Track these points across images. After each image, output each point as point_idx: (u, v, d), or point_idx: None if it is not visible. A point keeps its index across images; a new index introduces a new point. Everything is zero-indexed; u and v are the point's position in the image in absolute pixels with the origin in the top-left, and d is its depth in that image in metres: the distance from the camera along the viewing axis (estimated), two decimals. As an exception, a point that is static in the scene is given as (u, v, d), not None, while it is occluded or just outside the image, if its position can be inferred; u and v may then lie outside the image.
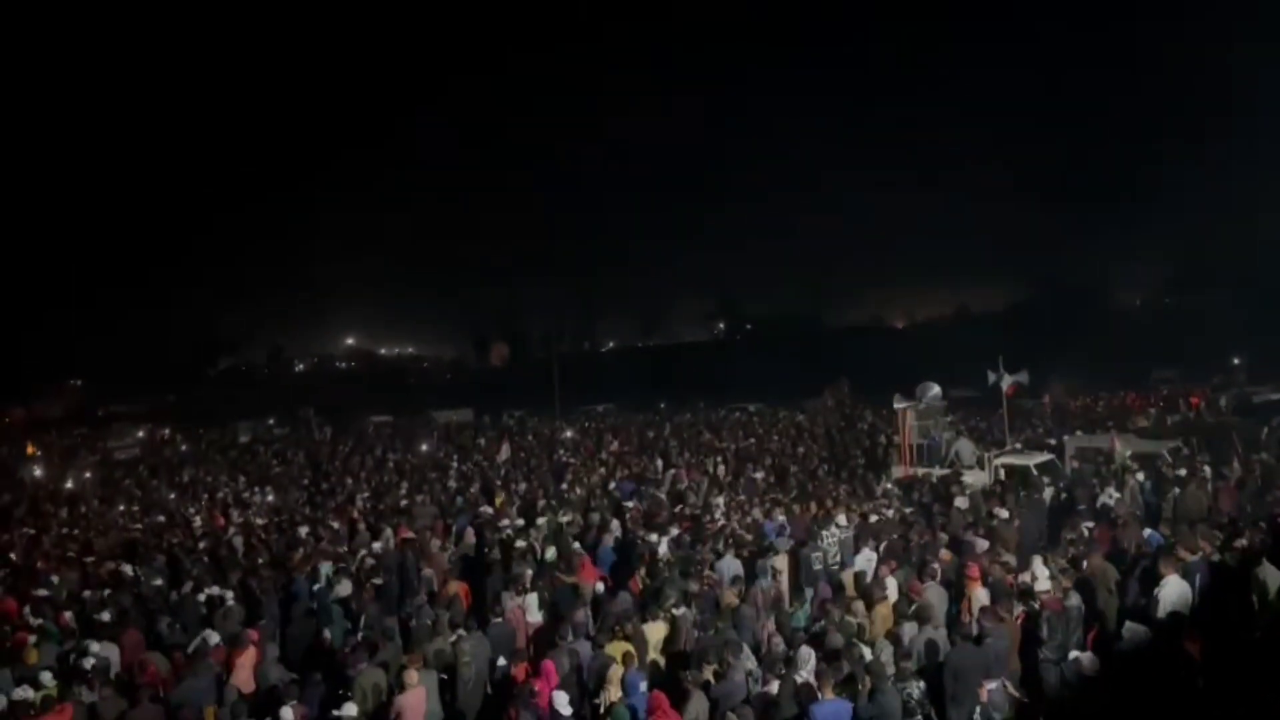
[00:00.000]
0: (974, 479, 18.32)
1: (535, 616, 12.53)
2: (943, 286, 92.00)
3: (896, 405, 21.38)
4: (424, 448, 33.34)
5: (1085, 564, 11.71)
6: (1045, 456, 19.25)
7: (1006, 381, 21.29)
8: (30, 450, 43.24)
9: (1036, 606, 10.41)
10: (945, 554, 12.77)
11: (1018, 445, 21.68)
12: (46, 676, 10.40)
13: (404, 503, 21.44)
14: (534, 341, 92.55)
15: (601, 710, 9.16)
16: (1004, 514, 14.70)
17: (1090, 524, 14.10)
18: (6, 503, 27.42)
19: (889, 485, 19.62)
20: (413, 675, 9.66)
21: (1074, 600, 10.28)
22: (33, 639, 12.01)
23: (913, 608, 10.58)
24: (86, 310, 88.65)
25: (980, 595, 10.93)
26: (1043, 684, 9.73)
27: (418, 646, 10.77)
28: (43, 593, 14.69)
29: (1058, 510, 15.90)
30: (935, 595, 11.15)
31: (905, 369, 28.55)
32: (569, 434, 35.15)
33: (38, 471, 35.18)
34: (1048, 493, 16.75)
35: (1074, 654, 9.22)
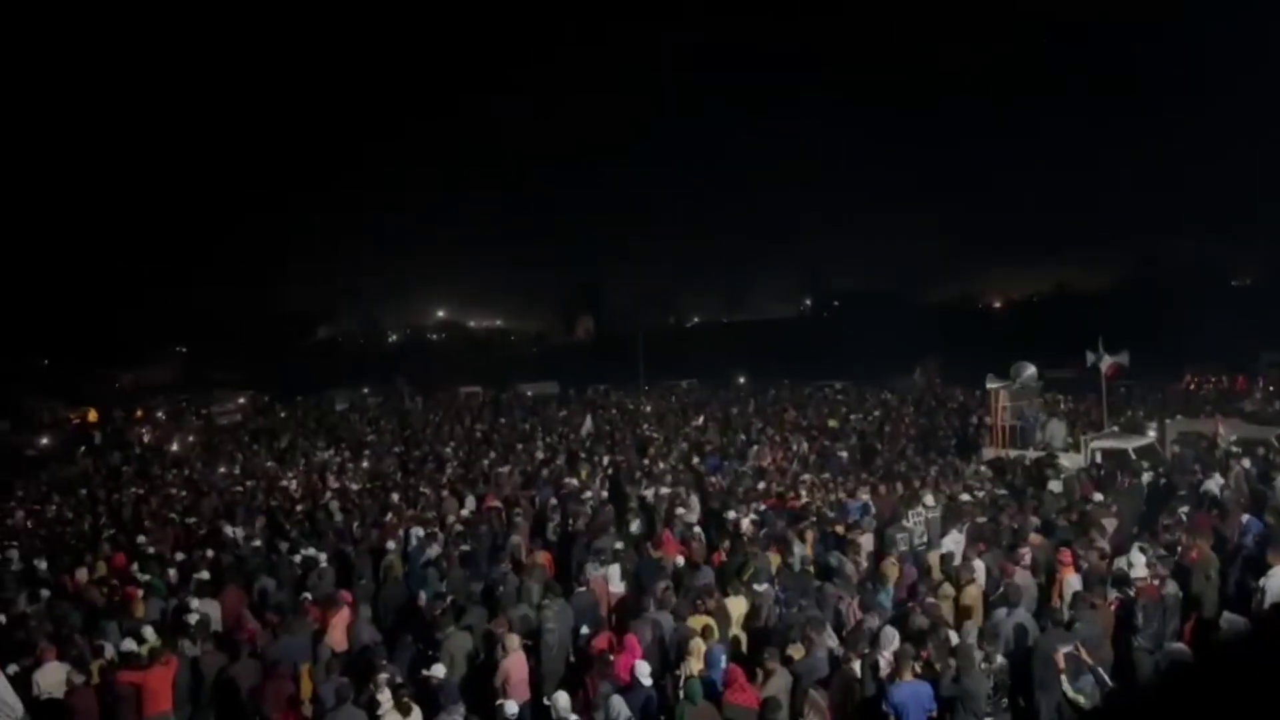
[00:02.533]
0: (1069, 462, 17.83)
1: (617, 587, 12.69)
2: (1041, 264, 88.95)
3: (989, 385, 20.88)
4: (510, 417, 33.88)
5: (1185, 551, 11.32)
6: (1145, 440, 18.59)
7: (1106, 362, 20.58)
8: (138, 415, 45.40)
9: (1131, 594, 10.11)
10: (1036, 538, 12.49)
11: (1115, 428, 20.98)
12: (149, 631, 10.97)
13: (491, 472, 21.89)
14: (619, 316, 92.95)
15: (682, 681, 9.24)
16: (1099, 498, 14.27)
17: (1188, 510, 13.60)
18: (116, 464, 28.90)
19: (980, 467, 19.22)
20: (514, 640, 9.88)
21: (1171, 588, 9.97)
22: (140, 594, 12.70)
23: (1000, 590, 10.40)
24: (193, 282, 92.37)
25: (1072, 580, 10.67)
26: (1136, 673, 9.47)
27: (503, 612, 11.03)
28: (149, 550, 15.51)
29: (1156, 496, 15.36)
30: (1025, 579, 10.92)
31: (999, 348, 27.84)
32: (650, 408, 35.30)
33: (145, 435, 36.97)
34: (1146, 477, 16.19)
35: (1170, 644, 8.95)
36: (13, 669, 9.87)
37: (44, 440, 37.99)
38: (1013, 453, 19.52)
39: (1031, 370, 20.77)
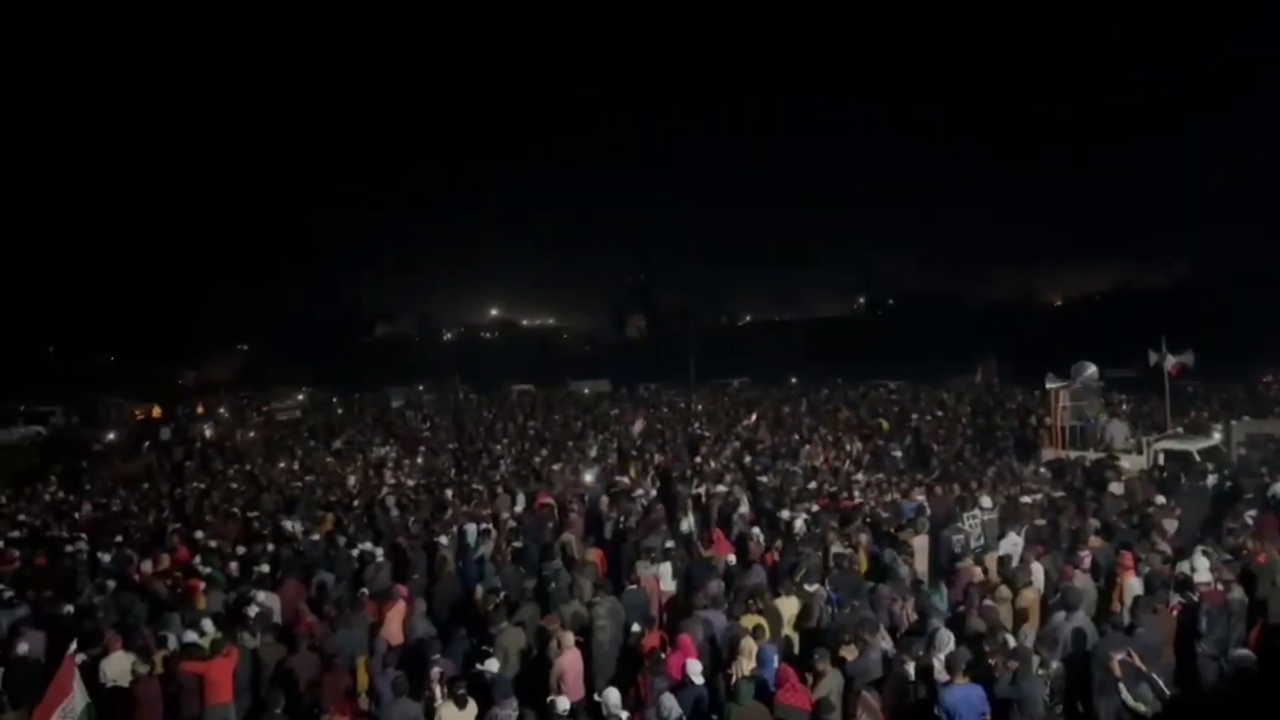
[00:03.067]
0: (1130, 464, 17.44)
1: (669, 585, 12.69)
2: (1103, 261, 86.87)
3: (1049, 385, 20.51)
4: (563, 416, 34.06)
5: (1250, 555, 11.01)
6: (1210, 441, 18.11)
7: (1170, 361, 20.08)
8: (200, 410, 46.48)
9: (1195, 599, 9.86)
10: (1096, 540, 12.23)
11: (1178, 429, 20.47)
12: (208, 623, 11.22)
13: (544, 469, 22.03)
14: (671, 314, 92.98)
15: (733, 681, 9.22)
16: (1162, 501, 13.94)
17: (1255, 514, 13.21)
18: (180, 459, 29.62)
19: (1039, 469, 18.89)
20: (569, 637, 9.95)
21: (1237, 594, 9.70)
22: (202, 586, 13.01)
23: (1058, 594, 10.20)
24: (254, 281, 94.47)
25: (1133, 584, 10.43)
26: (1200, 680, 9.23)
27: (555, 609, 11.10)
28: (211, 543, 15.87)
29: (1222, 499, 14.95)
30: (1084, 583, 10.71)
31: (1059, 347, 27.30)
32: (702, 407, 35.26)
33: (208, 430, 37.84)
34: (1211, 480, 15.77)
35: (1235, 650, 8.71)
36: (81, 657, 10.17)
37: (110, 435, 39.06)
38: (1072, 454, 19.17)
39: (1092, 370, 20.38)
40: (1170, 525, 12.87)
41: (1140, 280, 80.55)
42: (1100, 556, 11.65)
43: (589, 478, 19.46)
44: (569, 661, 9.81)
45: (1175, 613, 9.82)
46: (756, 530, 14.39)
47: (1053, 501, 15.36)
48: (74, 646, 9.55)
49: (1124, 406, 25.18)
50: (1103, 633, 9.27)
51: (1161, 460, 17.42)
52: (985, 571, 11.93)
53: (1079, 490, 16.25)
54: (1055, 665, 8.78)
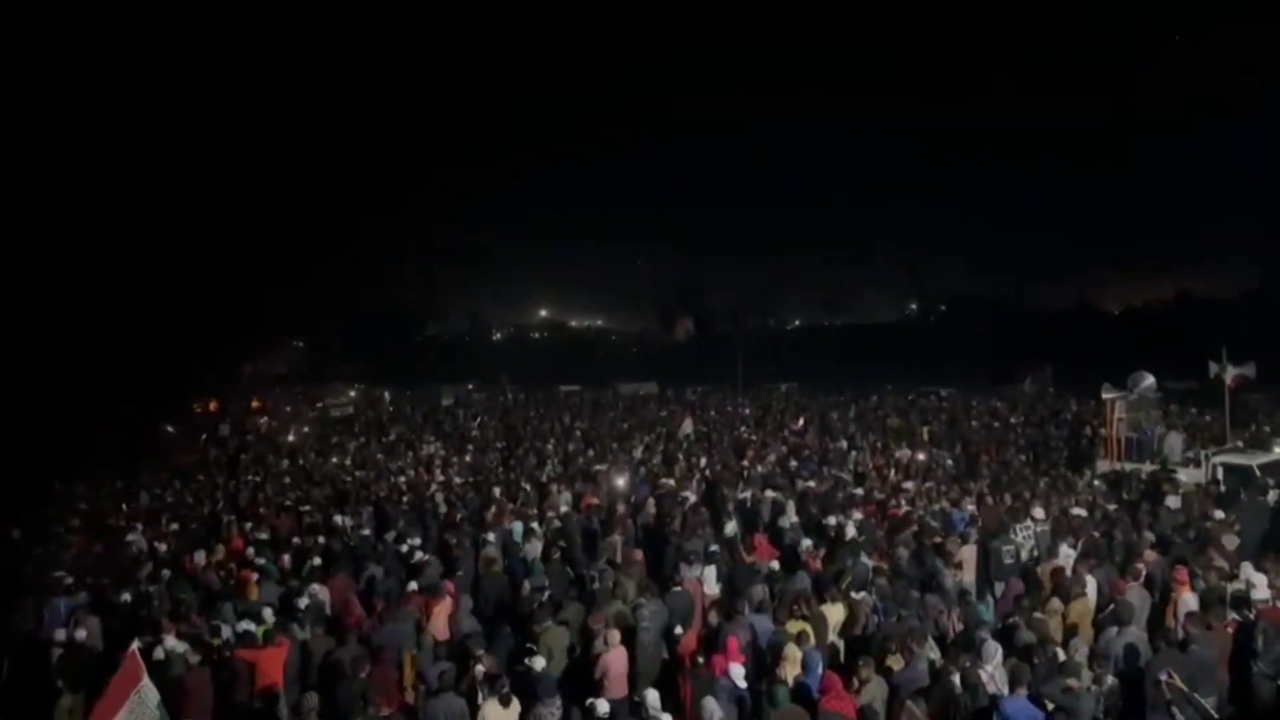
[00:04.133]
0: (1188, 477, 17.05)
1: (712, 589, 12.66)
2: (1162, 270, 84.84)
3: (1105, 395, 20.12)
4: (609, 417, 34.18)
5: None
6: (1272, 456, 17.61)
7: (1230, 373, 19.59)
8: (256, 405, 47.40)
9: (1251, 616, 9.61)
10: (1150, 554, 11.98)
11: (1238, 443, 19.95)
12: (267, 612, 11.45)
13: (591, 469, 22.12)
14: (718, 317, 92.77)
15: (776, 685, 9.18)
16: (1221, 516, 13.60)
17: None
18: (235, 451, 30.24)
19: (1093, 480, 18.54)
20: (615, 635, 9.99)
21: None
22: (255, 578, 13.27)
23: (1111, 607, 10.01)
24: (310, 278, 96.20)
25: (1188, 600, 10.19)
26: (1254, 700, 8.99)
27: (599, 608, 11.15)
28: (264, 536, 16.18)
29: (1284, 515, 14.55)
30: (1137, 597, 10.50)
31: (1116, 356, 26.76)
32: (748, 411, 35.13)
33: (263, 424, 38.59)
34: (1273, 496, 15.35)
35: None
36: (135, 644, 10.44)
37: (168, 428, 39.99)
38: (1128, 466, 18.79)
39: (1150, 380, 19.94)
40: (1230, 542, 12.54)
41: (1203, 289, 78.60)
42: (1155, 571, 11.41)
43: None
44: (614, 659, 9.86)
45: (1231, 630, 9.59)
46: (807, 542, 14.31)
47: (1107, 514, 15.07)
48: (136, 643, 9.76)
49: (1182, 418, 24.58)
50: (1156, 648, 9.08)
51: (1220, 475, 17.00)
52: (1036, 583, 11.76)
53: (1134, 503, 15.93)
54: (1110, 681, 8.61)
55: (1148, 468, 18.31)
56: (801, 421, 30.58)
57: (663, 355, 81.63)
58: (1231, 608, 9.95)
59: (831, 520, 14.80)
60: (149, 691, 9.09)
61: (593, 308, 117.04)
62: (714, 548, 13.51)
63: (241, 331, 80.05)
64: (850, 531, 13.95)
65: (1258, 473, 16.33)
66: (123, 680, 9.00)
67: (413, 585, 12.35)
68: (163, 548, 15.78)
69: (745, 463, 22.23)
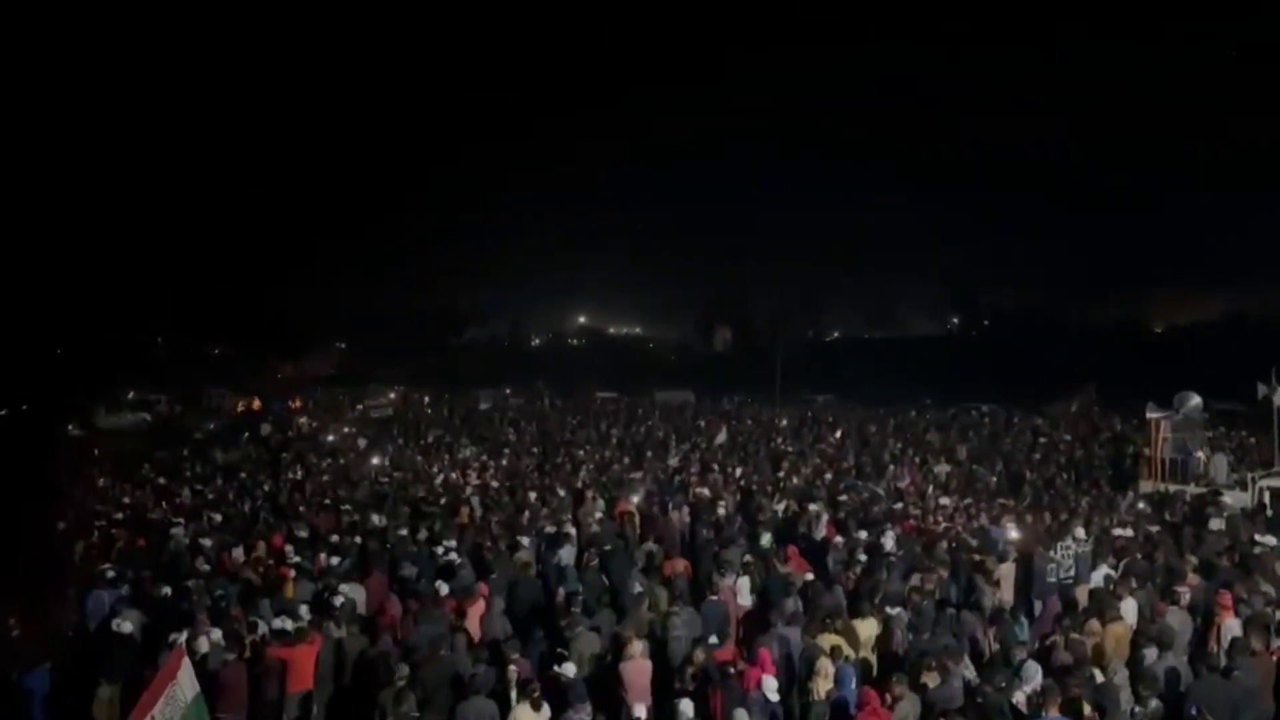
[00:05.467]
0: (1234, 500, 16.70)
1: (746, 600, 12.61)
2: (1211, 289, 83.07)
3: (1150, 415, 19.80)
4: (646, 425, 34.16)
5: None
6: (1324, 481, 17.23)
7: (1279, 396, 19.18)
8: (297, 404, 48.00)
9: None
10: (1193, 578, 11.73)
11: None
12: (303, 610, 11.57)
13: (624, 477, 22.11)
14: (757, 328, 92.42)
15: (811, 699, 9.11)
16: (1271, 541, 13.29)
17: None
18: (276, 449, 30.63)
19: (1137, 501, 18.21)
20: (636, 646, 9.97)
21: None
22: (292, 575, 13.42)
23: (1153, 631, 9.81)
24: (353, 280, 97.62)
25: (1232, 625, 9.97)
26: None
27: (630, 616, 11.14)
28: (303, 534, 16.36)
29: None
30: (1179, 621, 10.28)
31: (1162, 376, 26.29)
32: (785, 422, 34.94)
33: (304, 424, 39.06)
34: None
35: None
36: (173, 637, 10.60)
37: (211, 425, 40.62)
38: (1172, 487, 18.46)
39: (1196, 401, 19.61)
40: (1274, 566, 12.24)
41: (1253, 309, 76.89)
42: (1198, 595, 11.18)
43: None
44: (633, 670, 9.82)
45: (1276, 657, 9.36)
46: (840, 541, 14.21)
47: (1149, 535, 14.80)
48: (183, 637, 9.89)
49: (1229, 440, 24.08)
50: (1197, 674, 8.89)
51: (1267, 499, 16.64)
52: (1075, 604, 11.57)
53: (1177, 525, 15.62)
54: (1154, 704, 8.43)
55: (1192, 489, 17.98)
56: (839, 434, 30.39)
57: (700, 364, 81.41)
58: (1277, 634, 9.72)
59: (863, 535, 14.65)
60: (186, 684, 9.21)
61: (631, 316, 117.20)
62: (748, 558, 13.45)
63: (284, 332, 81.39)
64: (889, 545, 13.80)
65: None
66: (165, 674, 9.13)
67: (447, 587, 12.41)
68: (205, 543, 15.99)
69: (781, 474, 22.12)
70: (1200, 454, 19.13)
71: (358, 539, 15.60)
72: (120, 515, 19.13)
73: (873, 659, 10.55)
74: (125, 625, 11.10)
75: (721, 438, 29.28)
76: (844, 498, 18.63)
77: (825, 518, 16.31)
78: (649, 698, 9.67)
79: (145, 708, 8.62)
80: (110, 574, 13.29)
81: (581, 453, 27.39)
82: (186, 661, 9.19)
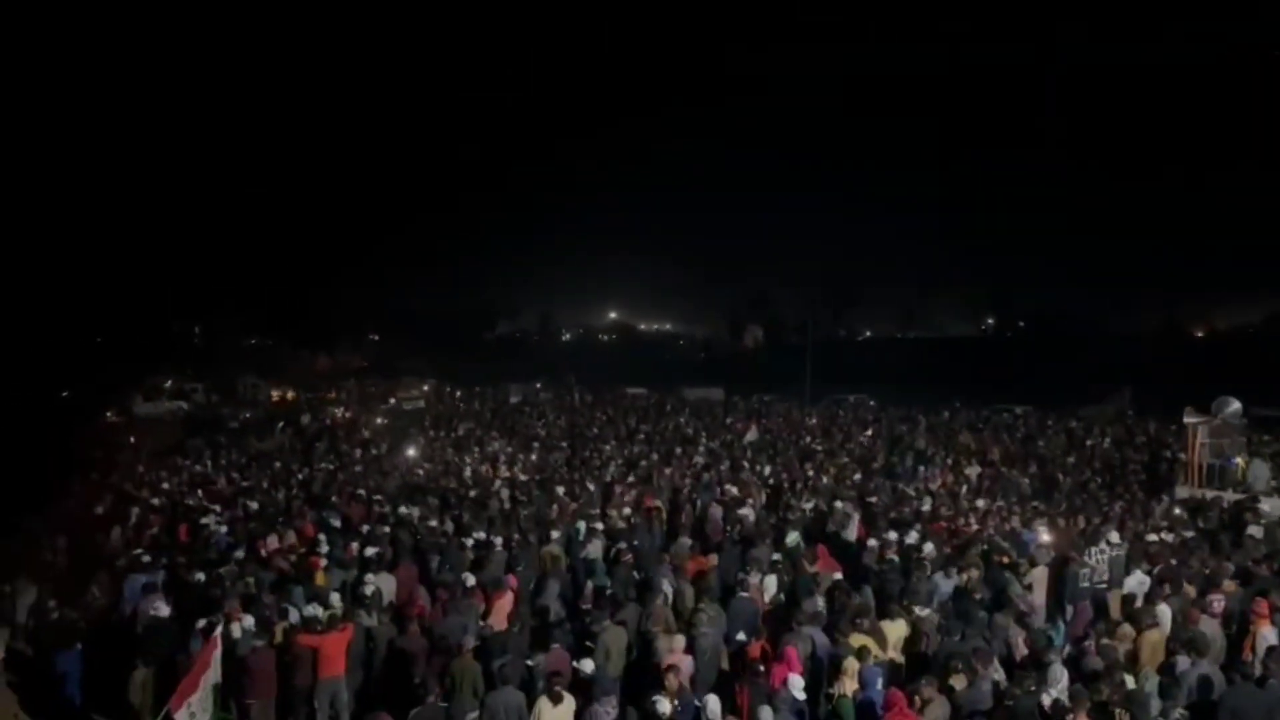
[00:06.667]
0: (1272, 507, 16.41)
1: (770, 598, 12.57)
2: (1251, 293, 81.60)
3: (1187, 420, 19.50)
4: (677, 422, 34.11)
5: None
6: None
7: (1321, 401, 18.84)
8: (331, 396, 48.46)
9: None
10: (1230, 585, 11.54)
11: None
12: (335, 598, 11.71)
13: (653, 473, 22.10)
14: (789, 326, 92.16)
15: (834, 699, 9.08)
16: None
17: None
18: (310, 439, 30.93)
19: (1173, 507, 17.94)
20: (680, 640, 10.02)
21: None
22: (323, 564, 13.57)
23: (1186, 638, 9.67)
24: (388, 275, 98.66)
25: (1268, 634, 9.81)
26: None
27: (656, 611, 11.14)
28: (335, 523, 16.53)
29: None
30: (1212, 629, 10.13)
31: (1201, 380, 25.88)
32: (815, 420, 34.76)
33: (338, 415, 39.43)
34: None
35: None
36: (201, 623, 10.76)
37: (247, 414, 41.13)
38: (1209, 493, 18.17)
39: (1236, 405, 19.26)
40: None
41: (1297, 314, 75.50)
42: (1233, 602, 11.01)
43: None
44: (678, 663, 9.83)
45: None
46: (873, 543, 14.12)
47: (1185, 541, 14.57)
48: (218, 625, 10.03)
49: (1268, 446, 23.65)
50: (1231, 682, 8.76)
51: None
52: (1107, 609, 11.44)
53: (1214, 531, 15.38)
54: (1179, 713, 8.33)
55: (1230, 495, 17.69)
56: (869, 433, 30.18)
57: (730, 361, 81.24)
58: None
59: (893, 535, 14.54)
60: (214, 673, 9.40)
61: (662, 312, 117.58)
62: (776, 557, 13.41)
63: (320, 325, 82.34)
64: (928, 549, 13.67)
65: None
66: (201, 664, 9.32)
67: (470, 578, 12.49)
68: (238, 530, 16.20)
69: (810, 473, 22.01)
70: (1238, 460, 18.81)
71: (388, 529, 15.74)
72: (156, 501, 19.41)
73: (901, 660, 10.49)
74: (160, 610, 11.29)
75: (751, 436, 29.17)
76: (873, 498, 18.52)
77: (856, 518, 16.21)
78: (688, 691, 9.60)
79: (184, 694, 8.82)
80: (146, 559, 13.53)
81: (609, 448, 27.42)
82: (218, 653, 9.37)
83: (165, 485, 22.06)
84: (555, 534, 15.07)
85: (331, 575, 13.09)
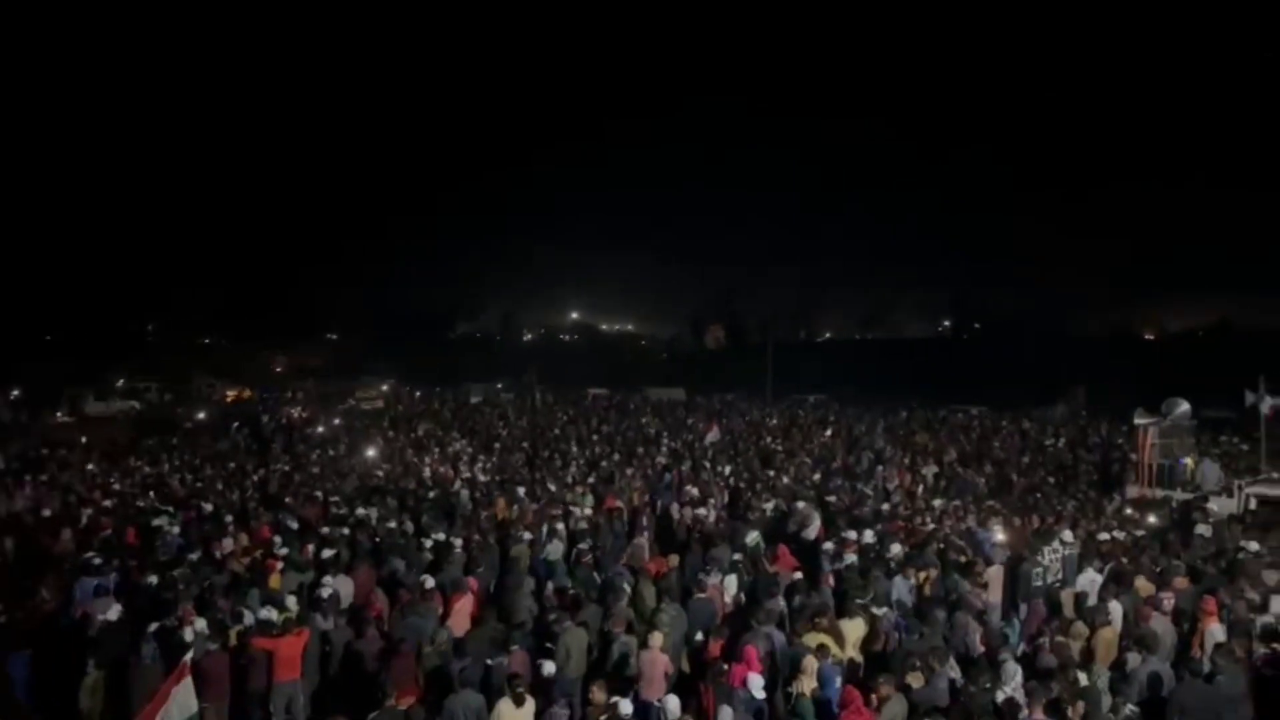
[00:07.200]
0: (1220, 507, 16.79)
1: (731, 598, 12.62)
2: (1202, 299, 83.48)
3: (1137, 421, 19.91)
4: (641, 421, 34.12)
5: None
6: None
7: (1266, 404, 19.29)
8: (289, 396, 47.87)
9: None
10: (1180, 582, 11.79)
11: (1273, 474, 19.60)
12: (291, 601, 11.56)
13: (614, 473, 22.09)
14: (750, 327, 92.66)
15: (793, 698, 9.14)
16: (1254, 547, 13.37)
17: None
18: (266, 440, 30.51)
19: (1124, 506, 18.29)
20: (657, 637, 10.00)
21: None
22: (279, 566, 13.39)
23: (1137, 635, 9.86)
24: (347, 273, 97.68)
25: (1215, 631, 10.03)
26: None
27: (613, 611, 11.14)
28: (292, 524, 16.32)
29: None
30: (1162, 625, 10.34)
31: (1151, 383, 26.41)
32: (776, 421, 34.98)
33: (295, 415, 38.92)
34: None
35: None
36: (153, 626, 10.57)
37: (201, 415, 40.45)
38: (1159, 492, 18.55)
39: (1185, 407, 19.69)
40: (1271, 577, 12.29)
41: (1242, 317, 77.31)
42: (1183, 600, 11.24)
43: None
44: (648, 662, 9.86)
45: (1259, 662, 9.42)
46: (829, 546, 14.22)
47: (1136, 540, 14.86)
48: (188, 658, 9.82)
49: (1217, 447, 24.20)
50: (1180, 678, 8.94)
51: (1253, 505, 16.73)
52: (1060, 607, 11.62)
53: (1164, 530, 15.71)
54: (1129, 709, 8.49)
55: (1179, 495, 18.07)
56: (829, 434, 30.42)
57: (692, 362, 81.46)
58: (1260, 640, 9.78)
59: (852, 535, 14.66)
60: (185, 695, 9.23)
61: (624, 312, 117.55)
62: (736, 556, 13.46)
63: (277, 323, 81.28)
64: (895, 550, 13.75)
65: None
66: (170, 683, 9.16)
67: (435, 580, 12.40)
68: (192, 532, 15.93)
69: (771, 473, 22.13)
70: (1188, 460, 19.21)
71: (346, 531, 15.57)
72: (108, 503, 19.04)
73: (860, 659, 10.58)
74: (110, 613, 11.07)
75: (713, 436, 29.27)
76: (832, 498, 18.67)
77: (817, 517, 16.32)
78: (662, 690, 9.57)
79: (150, 714, 8.71)
80: (96, 561, 13.26)
81: (572, 448, 27.37)
82: (187, 680, 9.20)
83: (117, 486, 21.64)
84: (527, 534, 15.02)
85: (288, 578, 12.92)
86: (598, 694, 8.63)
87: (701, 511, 17.14)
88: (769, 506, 17.65)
